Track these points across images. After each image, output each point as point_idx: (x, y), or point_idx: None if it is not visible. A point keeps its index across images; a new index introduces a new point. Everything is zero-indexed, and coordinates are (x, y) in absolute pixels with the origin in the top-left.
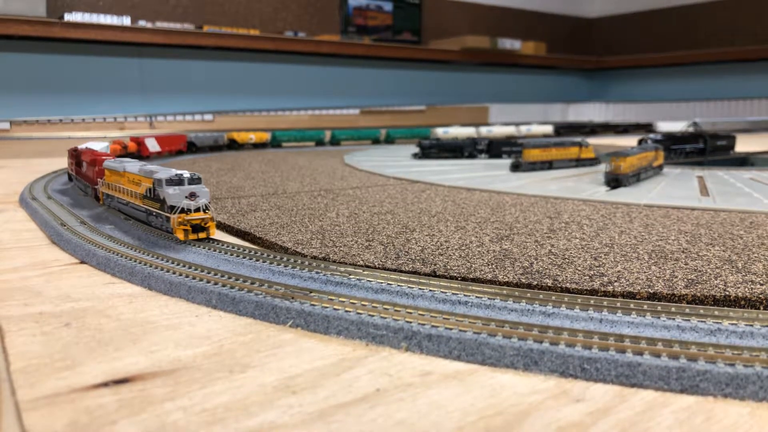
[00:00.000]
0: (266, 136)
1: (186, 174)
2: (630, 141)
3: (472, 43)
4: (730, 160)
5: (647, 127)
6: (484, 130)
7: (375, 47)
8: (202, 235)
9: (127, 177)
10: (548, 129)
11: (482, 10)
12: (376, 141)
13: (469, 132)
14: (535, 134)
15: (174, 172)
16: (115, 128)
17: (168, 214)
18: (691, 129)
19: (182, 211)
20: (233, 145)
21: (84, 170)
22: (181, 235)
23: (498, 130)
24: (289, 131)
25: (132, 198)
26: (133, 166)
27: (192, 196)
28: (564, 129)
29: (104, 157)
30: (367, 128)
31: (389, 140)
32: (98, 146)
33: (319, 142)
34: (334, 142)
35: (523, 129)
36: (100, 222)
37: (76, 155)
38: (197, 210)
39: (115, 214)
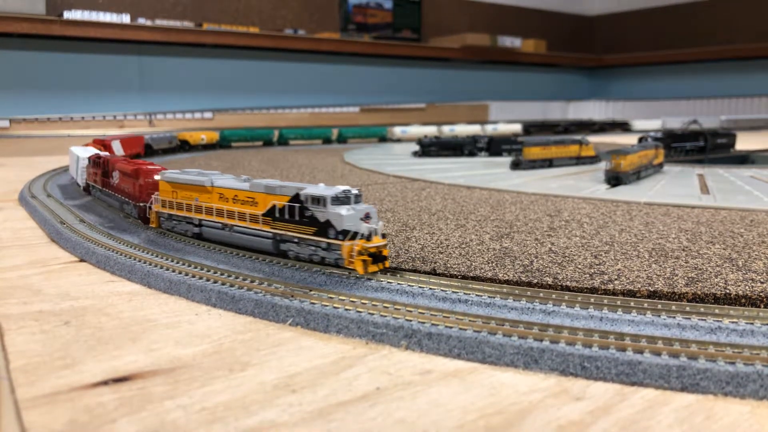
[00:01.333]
0: (217, 136)
1: (353, 190)
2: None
3: (472, 40)
4: (730, 158)
5: (623, 126)
6: (446, 129)
7: (375, 45)
8: (380, 266)
9: (219, 193)
10: (516, 128)
11: (482, 8)
12: (327, 141)
13: (430, 131)
14: (503, 133)
15: (328, 187)
16: (114, 126)
17: (339, 242)
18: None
19: (356, 237)
20: (185, 146)
21: (116, 182)
22: (360, 268)
23: (461, 129)
24: (237, 131)
25: (239, 221)
26: (227, 180)
27: (367, 217)
28: (534, 128)
29: (151, 167)
30: (318, 127)
31: (341, 140)
32: (86, 152)
33: (268, 142)
34: (283, 141)
35: (489, 128)
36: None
37: (101, 163)
38: (373, 235)
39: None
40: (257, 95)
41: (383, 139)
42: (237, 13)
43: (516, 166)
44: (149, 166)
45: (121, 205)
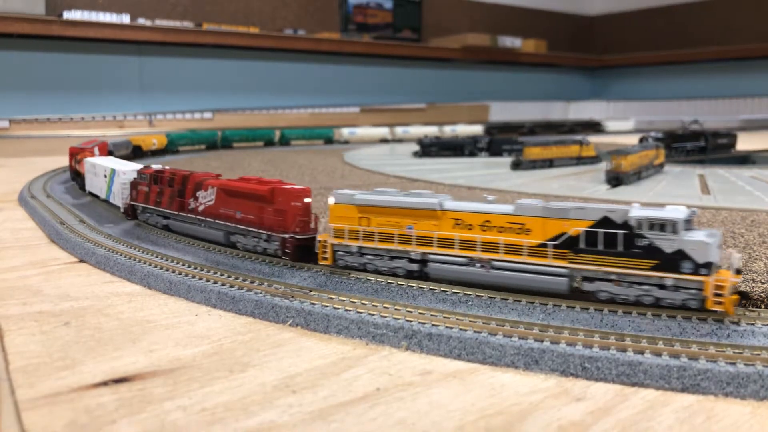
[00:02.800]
0: (165, 140)
1: (695, 210)
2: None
3: (472, 41)
4: (731, 159)
5: (595, 126)
6: (399, 131)
7: (375, 45)
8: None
9: (455, 218)
10: (477, 129)
11: (482, 8)
12: (269, 143)
13: (382, 133)
14: (461, 135)
15: (654, 208)
16: (114, 127)
17: (701, 277)
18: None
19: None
20: (138, 151)
21: (208, 206)
22: (731, 309)
23: (416, 131)
24: (183, 134)
25: (505, 254)
26: (463, 201)
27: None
28: (495, 129)
29: (294, 187)
30: (261, 128)
31: (284, 142)
32: (124, 165)
33: (212, 145)
34: (226, 144)
35: (447, 129)
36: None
37: (174, 181)
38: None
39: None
40: (257, 95)
41: (329, 140)
42: (237, 13)
43: (516, 166)
44: (289, 186)
45: (226, 237)
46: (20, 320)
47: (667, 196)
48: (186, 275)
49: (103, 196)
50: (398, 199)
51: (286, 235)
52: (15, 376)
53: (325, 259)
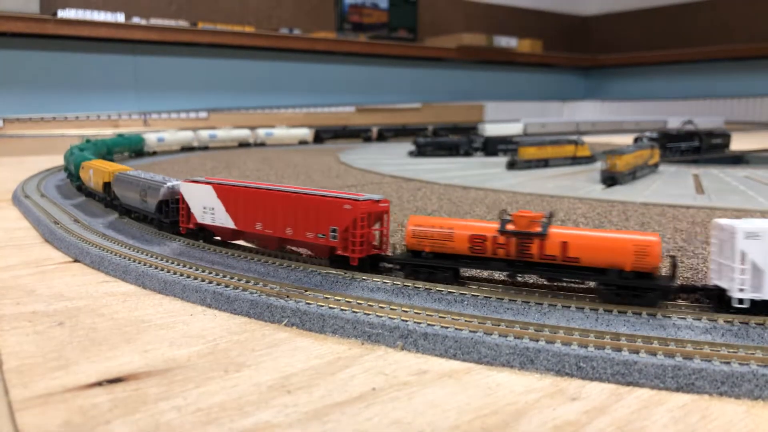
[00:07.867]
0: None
1: None
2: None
3: (468, 40)
4: (725, 159)
5: (470, 132)
6: (205, 134)
7: (370, 45)
8: None
9: None
10: (303, 132)
11: (478, 8)
12: (103, 158)
13: (187, 137)
14: (280, 140)
15: None
16: (108, 126)
17: None
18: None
19: None
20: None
21: None
22: None
23: (224, 134)
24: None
25: None
26: None
27: None
28: (328, 134)
29: None
30: (97, 140)
31: (109, 155)
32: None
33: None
34: (76, 171)
35: (261, 132)
36: None
37: None
38: None
39: None
40: (252, 95)
41: (139, 152)
42: (232, 12)
43: (512, 166)
44: None
45: None
46: (14, 320)
47: (662, 196)
48: (181, 275)
49: None
50: None
51: None
52: (8, 376)
53: None
